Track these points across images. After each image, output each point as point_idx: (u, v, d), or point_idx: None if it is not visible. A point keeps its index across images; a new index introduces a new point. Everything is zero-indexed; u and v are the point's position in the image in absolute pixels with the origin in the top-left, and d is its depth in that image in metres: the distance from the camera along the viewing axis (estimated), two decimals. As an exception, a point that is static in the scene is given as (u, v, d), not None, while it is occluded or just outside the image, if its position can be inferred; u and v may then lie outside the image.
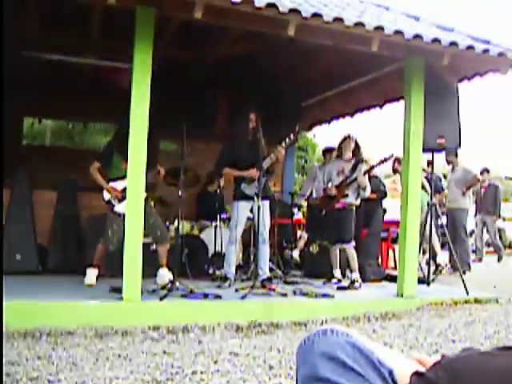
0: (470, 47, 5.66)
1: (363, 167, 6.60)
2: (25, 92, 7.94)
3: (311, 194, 8.51)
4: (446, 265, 8.60)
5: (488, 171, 11.94)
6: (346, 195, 6.63)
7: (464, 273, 8.16)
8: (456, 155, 9.30)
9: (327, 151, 8.66)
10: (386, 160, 6.40)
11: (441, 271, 8.36)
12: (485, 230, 12.37)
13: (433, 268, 8.14)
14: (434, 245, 8.18)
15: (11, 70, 7.63)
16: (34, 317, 4.60)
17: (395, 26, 5.43)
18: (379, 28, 5.27)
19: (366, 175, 6.64)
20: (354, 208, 6.78)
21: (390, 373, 1.09)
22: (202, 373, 3.39)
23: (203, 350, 3.98)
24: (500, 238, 18.69)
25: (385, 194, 8.14)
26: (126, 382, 3.14)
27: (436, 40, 5.51)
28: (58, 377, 3.21)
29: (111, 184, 5.94)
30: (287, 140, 6.16)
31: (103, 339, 4.27)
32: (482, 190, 12.03)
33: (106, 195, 5.95)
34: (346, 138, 6.84)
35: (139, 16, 5.08)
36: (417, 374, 0.83)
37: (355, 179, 6.55)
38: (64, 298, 5.02)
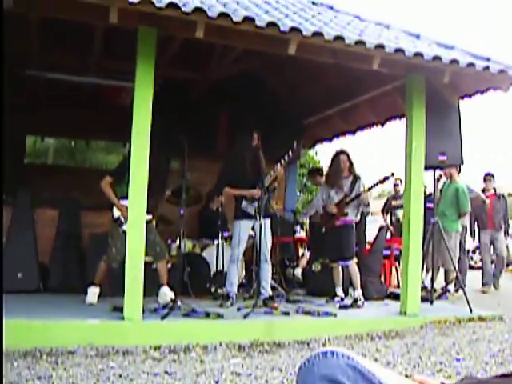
0: (470, 64, 5.68)
1: (361, 183, 6.58)
2: (27, 111, 7.99)
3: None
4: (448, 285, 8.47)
5: (493, 176, 9.83)
6: (346, 214, 6.60)
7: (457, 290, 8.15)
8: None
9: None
10: (387, 179, 6.38)
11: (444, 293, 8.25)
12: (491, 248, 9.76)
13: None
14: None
15: (14, 89, 7.72)
16: (35, 336, 4.57)
17: (396, 45, 5.46)
18: (380, 46, 5.30)
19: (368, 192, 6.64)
20: (354, 225, 6.75)
21: (392, 396, 1.08)
22: (203, 393, 3.36)
23: (205, 370, 3.94)
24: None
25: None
26: (126, 403, 3.11)
27: (436, 58, 5.53)
28: (57, 398, 3.18)
29: (122, 202, 5.73)
30: (286, 158, 6.13)
31: (104, 359, 4.24)
32: (488, 201, 9.59)
33: (116, 213, 5.82)
34: (339, 154, 6.80)
35: (141, 36, 5.10)
36: None
37: (358, 196, 6.52)
38: (65, 318, 4.99)
